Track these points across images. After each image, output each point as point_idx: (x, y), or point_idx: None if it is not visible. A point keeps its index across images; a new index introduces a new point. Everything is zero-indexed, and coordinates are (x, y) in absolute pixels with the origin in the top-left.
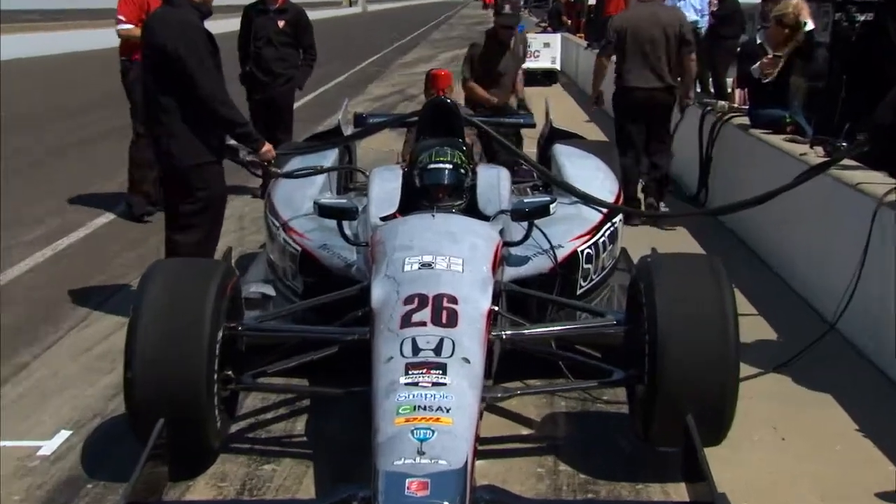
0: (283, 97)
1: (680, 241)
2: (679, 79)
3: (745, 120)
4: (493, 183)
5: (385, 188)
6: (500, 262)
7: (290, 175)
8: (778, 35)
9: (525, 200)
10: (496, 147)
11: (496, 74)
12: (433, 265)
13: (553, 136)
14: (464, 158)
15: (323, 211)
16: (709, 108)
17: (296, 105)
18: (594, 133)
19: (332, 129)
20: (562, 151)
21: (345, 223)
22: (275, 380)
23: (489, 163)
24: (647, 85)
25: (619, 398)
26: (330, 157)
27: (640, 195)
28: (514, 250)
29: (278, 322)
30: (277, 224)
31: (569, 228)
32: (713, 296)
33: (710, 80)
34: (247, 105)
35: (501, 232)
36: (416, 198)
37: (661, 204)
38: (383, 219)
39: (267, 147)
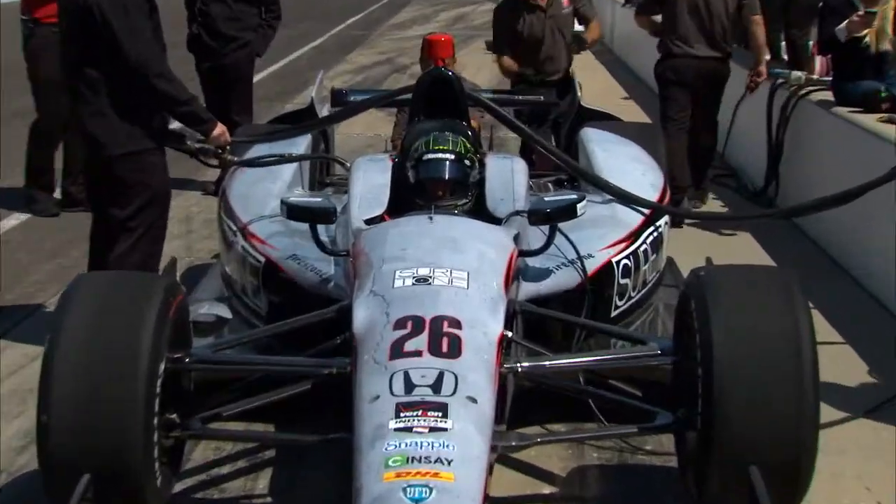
0: (237, 67)
1: (741, 248)
2: (737, 45)
3: (828, 95)
4: (506, 177)
5: (370, 183)
6: (514, 275)
7: (251, 163)
8: None
9: (546, 199)
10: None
11: (532, 42)
12: (431, 280)
13: (581, 116)
14: (469, 146)
15: (292, 211)
16: (780, 80)
17: (256, 78)
18: (633, 113)
19: (303, 110)
20: (592, 136)
21: (320, 227)
22: (231, 425)
23: (502, 152)
24: (699, 53)
25: (666, 448)
26: (301, 145)
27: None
28: (531, 261)
29: (236, 352)
30: (234, 228)
31: (601, 234)
32: (785, 319)
33: (783, 44)
34: (197, 79)
35: (516, 238)
36: (410, 195)
37: (701, 198)
38: (368, 222)
39: (219, 129)
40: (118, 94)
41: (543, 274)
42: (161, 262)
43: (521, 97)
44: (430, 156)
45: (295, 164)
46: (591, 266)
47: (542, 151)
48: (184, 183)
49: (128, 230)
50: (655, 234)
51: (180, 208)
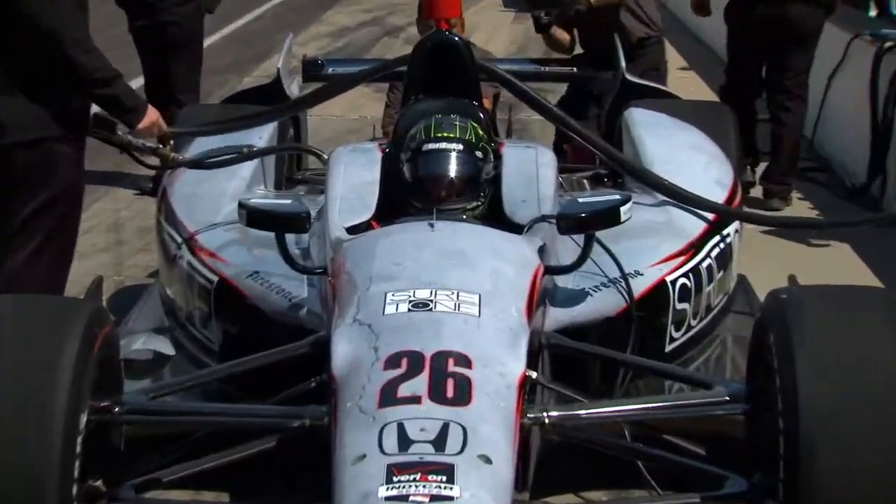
0: (181, 27)
1: (836, 263)
2: None
3: None
4: (529, 172)
5: (354, 181)
6: (540, 299)
7: (199, 163)
8: None
9: (581, 200)
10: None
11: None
12: (432, 305)
13: (625, 93)
14: (481, 133)
15: (253, 217)
16: (888, 43)
17: (206, 42)
18: (694, 88)
19: (266, 86)
20: (639, 119)
21: (289, 237)
22: (174, 494)
23: (524, 139)
24: None
25: None
26: (265, 132)
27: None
28: (561, 280)
29: (180, 399)
30: (178, 239)
31: (651, 245)
32: (893, 356)
33: None
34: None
35: (542, 251)
36: (405, 196)
37: (784, 197)
38: (352, 230)
39: (148, 120)
40: (24, 68)
41: (577, 297)
42: (81, 282)
43: (547, 68)
44: (431, 145)
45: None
46: (639, 287)
47: (574, 138)
48: (113, 179)
49: (25, 237)
50: (722, 245)
51: (107, 212)
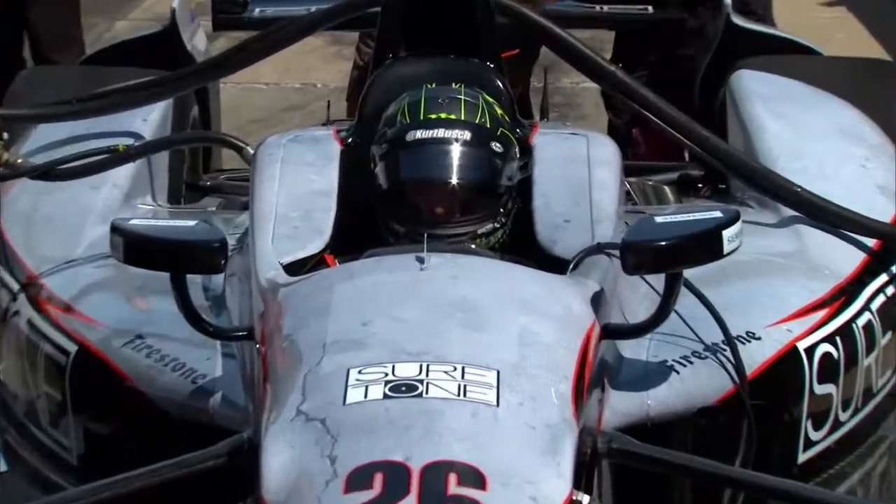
0: None
1: None
2: None
3: None
4: (577, 175)
5: (297, 190)
6: (594, 378)
7: (48, 171)
8: None
9: (660, 219)
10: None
11: None
12: (422, 388)
13: (731, 47)
14: (500, 113)
15: (135, 248)
16: None
17: None
18: (844, 35)
19: (153, 35)
20: (756, 87)
21: (192, 280)
22: None
23: (567, 122)
24: None
25: None
26: (152, 114)
27: None
28: (630, 348)
29: None
30: (13, 285)
31: (775, 291)
32: None
33: None
34: None
35: (598, 302)
36: (380, 214)
37: None
38: (293, 269)
39: None
40: None
41: (655, 376)
42: None
43: (605, 8)
44: (421, 134)
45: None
46: (755, 358)
47: (651, 120)
48: None
49: None
50: (891, 291)
51: None
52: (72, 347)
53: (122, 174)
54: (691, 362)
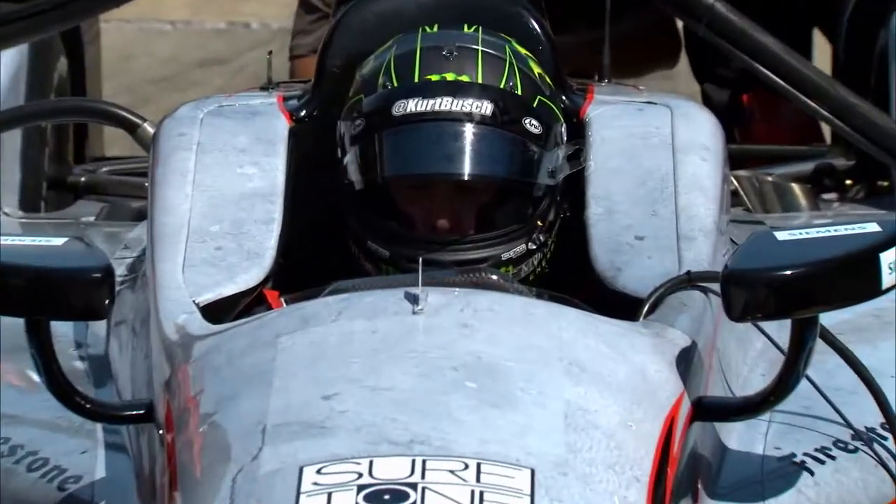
0: None
1: None
2: None
3: None
4: (654, 167)
5: (221, 190)
6: (684, 479)
7: None
8: None
9: (780, 236)
10: None
11: None
12: (414, 496)
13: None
14: (537, 74)
15: None
16: None
17: None
18: None
19: None
20: None
21: (58, 329)
22: None
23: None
24: None
25: None
26: None
27: None
28: (737, 435)
29: None
30: None
31: None
32: None
33: None
34: None
35: (686, 362)
36: (354, 228)
37: None
38: (212, 311)
39: None
40: None
41: (777, 477)
42: None
43: None
44: (416, 103)
45: None
46: None
47: (771, 79)
48: None
49: None
50: None
51: None
52: None
53: None
54: (833, 457)
